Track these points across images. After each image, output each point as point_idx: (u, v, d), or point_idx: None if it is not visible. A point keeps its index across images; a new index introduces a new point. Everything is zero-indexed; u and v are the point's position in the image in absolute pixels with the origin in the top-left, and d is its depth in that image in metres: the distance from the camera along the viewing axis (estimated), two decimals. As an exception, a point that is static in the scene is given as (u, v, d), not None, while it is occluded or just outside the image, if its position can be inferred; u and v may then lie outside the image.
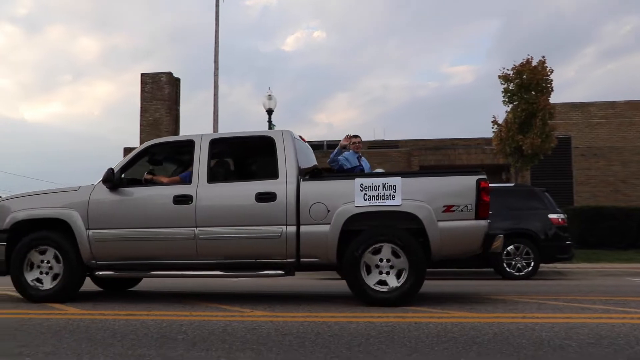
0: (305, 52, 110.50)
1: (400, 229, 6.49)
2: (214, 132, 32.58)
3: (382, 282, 6.46)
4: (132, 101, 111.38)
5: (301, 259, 6.68)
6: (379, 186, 6.51)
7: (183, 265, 7.00)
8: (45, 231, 7.24)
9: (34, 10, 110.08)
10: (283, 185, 6.75)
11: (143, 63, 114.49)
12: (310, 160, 7.92)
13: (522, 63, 19.64)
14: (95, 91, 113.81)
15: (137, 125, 30.79)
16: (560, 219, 12.05)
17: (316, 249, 6.61)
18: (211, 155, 7.22)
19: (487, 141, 31.42)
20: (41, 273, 7.18)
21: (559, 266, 13.58)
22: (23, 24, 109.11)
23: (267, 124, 21.78)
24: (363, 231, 6.53)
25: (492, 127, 20.62)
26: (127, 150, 26.55)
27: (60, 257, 7.11)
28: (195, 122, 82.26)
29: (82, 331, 4.92)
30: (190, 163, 7.33)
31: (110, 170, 7.11)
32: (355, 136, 9.38)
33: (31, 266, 7.19)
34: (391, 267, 6.47)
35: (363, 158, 9.36)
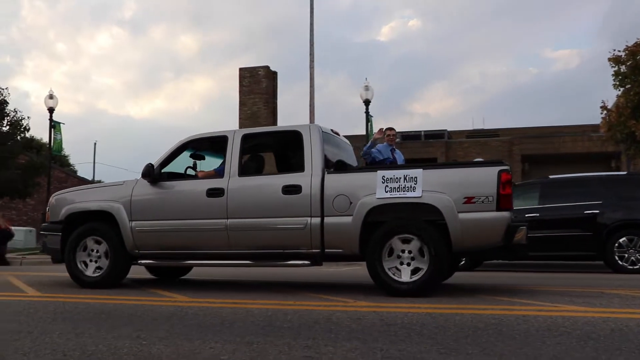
0: (400, 42, 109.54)
1: (421, 220, 6.49)
2: (310, 124, 32.84)
3: (403, 273, 6.49)
4: (230, 95, 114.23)
5: (326, 250, 6.82)
6: (400, 178, 6.54)
7: (216, 255, 7.35)
8: (94, 222, 7.82)
9: (138, 12, 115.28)
10: (308, 178, 6.91)
11: (240, 58, 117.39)
12: (345, 154, 8.02)
13: (636, 43, 18.53)
14: (195, 87, 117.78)
15: (236, 119, 31.56)
16: (680, 209, 11.29)
17: (340, 240, 6.74)
18: (243, 149, 7.48)
19: (594, 128, 30.05)
20: (91, 261, 7.76)
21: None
22: (128, 26, 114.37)
23: (365, 114, 21.74)
24: (384, 223, 6.56)
25: (601, 113, 19.65)
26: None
27: (107, 246, 7.65)
28: (293, 114, 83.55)
29: (191, 317, 5.09)
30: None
31: (149, 165, 7.57)
32: (390, 128, 9.44)
33: (82, 254, 7.78)
34: (412, 258, 6.48)
35: (397, 150, 9.35)
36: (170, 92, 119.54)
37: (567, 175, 12.76)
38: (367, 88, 21.68)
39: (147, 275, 9.42)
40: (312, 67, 31.97)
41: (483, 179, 6.41)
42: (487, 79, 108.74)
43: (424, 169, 6.59)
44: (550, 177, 12.54)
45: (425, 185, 6.45)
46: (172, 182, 7.67)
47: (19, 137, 26.19)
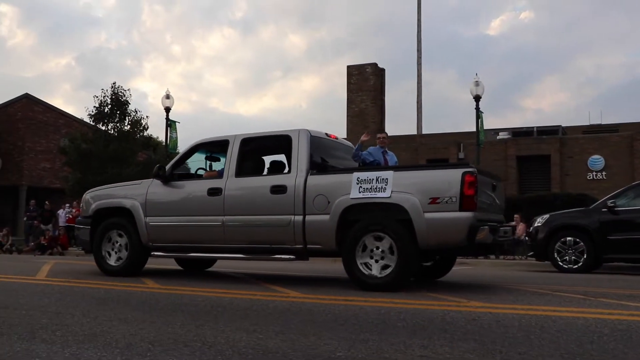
0: (511, 35, 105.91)
1: (391, 219, 6.82)
2: (417, 121, 32.54)
3: (374, 269, 6.87)
4: (337, 93, 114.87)
5: (307, 246, 7.32)
6: (372, 179, 6.93)
7: (214, 249, 8.08)
8: (117, 218, 8.72)
9: (249, 13, 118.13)
10: (293, 179, 7.43)
11: (348, 55, 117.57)
12: (339, 156, 8.45)
13: None
14: (303, 85, 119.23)
15: (344, 116, 31.73)
16: None
17: (319, 236, 7.21)
18: (241, 152, 8.08)
19: None
20: (114, 252, 8.68)
21: None
22: (239, 26, 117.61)
23: (475, 111, 21.24)
24: (358, 221, 6.96)
25: None
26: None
27: (126, 239, 8.53)
28: (400, 111, 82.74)
29: (305, 313, 5.14)
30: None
31: (159, 166, 8.52)
32: (381, 132, 9.70)
33: (107, 246, 8.73)
34: (383, 255, 6.84)
35: (389, 152, 9.44)
36: (278, 90, 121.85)
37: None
38: (477, 84, 21.15)
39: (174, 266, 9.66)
40: (419, 64, 31.54)
41: (447, 180, 6.66)
42: (605, 71, 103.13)
43: (394, 171, 7.01)
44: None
45: (395, 186, 6.80)
46: (181, 182, 8.46)
47: (138, 136, 27.59)
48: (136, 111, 27.23)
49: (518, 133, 30.89)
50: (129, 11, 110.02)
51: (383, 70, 32.48)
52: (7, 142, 34.17)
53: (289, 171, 7.65)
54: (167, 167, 8.56)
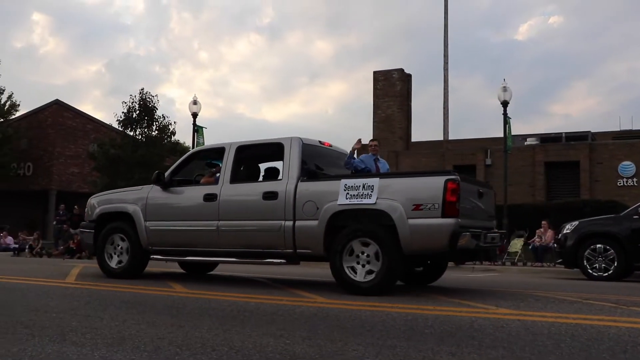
0: (539, 40, 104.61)
1: (376, 225, 6.96)
2: (444, 126, 32.34)
3: (360, 273, 6.99)
4: (364, 98, 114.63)
5: (297, 250, 7.51)
6: (359, 186, 7.07)
7: (210, 252, 8.30)
8: (119, 222, 9.00)
9: (276, 19, 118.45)
10: (284, 185, 7.63)
11: (374, 61, 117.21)
12: (333, 164, 8.65)
13: None
14: (329, 91, 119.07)
15: (370, 122, 31.69)
16: None
17: (308, 241, 7.40)
18: (236, 159, 8.32)
19: None
20: (116, 255, 8.95)
21: None
22: (266, 33, 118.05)
23: (502, 116, 21.02)
24: (346, 227, 7.11)
25: None
26: (361, 147, 27.62)
27: (128, 242, 8.80)
28: (427, 117, 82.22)
29: (332, 319, 5.13)
30: None
31: (158, 172, 8.83)
32: (373, 140, 9.89)
33: (109, 249, 9.02)
34: (368, 259, 6.97)
35: (381, 160, 9.57)
36: (304, 96, 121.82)
37: None
38: (505, 89, 20.89)
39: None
40: (446, 69, 31.43)
41: (430, 187, 6.79)
42: (636, 76, 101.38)
43: (380, 178, 7.17)
44: None
45: (380, 193, 6.94)
46: (179, 188, 8.72)
47: (166, 141, 27.85)
48: (164, 117, 27.57)
49: (546, 139, 30.51)
50: (157, 18, 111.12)
51: (409, 75, 32.37)
52: (38, 147, 34.78)
53: (280, 177, 7.89)
54: (167, 173, 8.83)
